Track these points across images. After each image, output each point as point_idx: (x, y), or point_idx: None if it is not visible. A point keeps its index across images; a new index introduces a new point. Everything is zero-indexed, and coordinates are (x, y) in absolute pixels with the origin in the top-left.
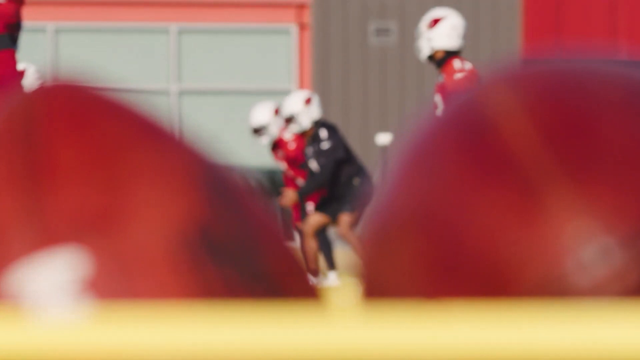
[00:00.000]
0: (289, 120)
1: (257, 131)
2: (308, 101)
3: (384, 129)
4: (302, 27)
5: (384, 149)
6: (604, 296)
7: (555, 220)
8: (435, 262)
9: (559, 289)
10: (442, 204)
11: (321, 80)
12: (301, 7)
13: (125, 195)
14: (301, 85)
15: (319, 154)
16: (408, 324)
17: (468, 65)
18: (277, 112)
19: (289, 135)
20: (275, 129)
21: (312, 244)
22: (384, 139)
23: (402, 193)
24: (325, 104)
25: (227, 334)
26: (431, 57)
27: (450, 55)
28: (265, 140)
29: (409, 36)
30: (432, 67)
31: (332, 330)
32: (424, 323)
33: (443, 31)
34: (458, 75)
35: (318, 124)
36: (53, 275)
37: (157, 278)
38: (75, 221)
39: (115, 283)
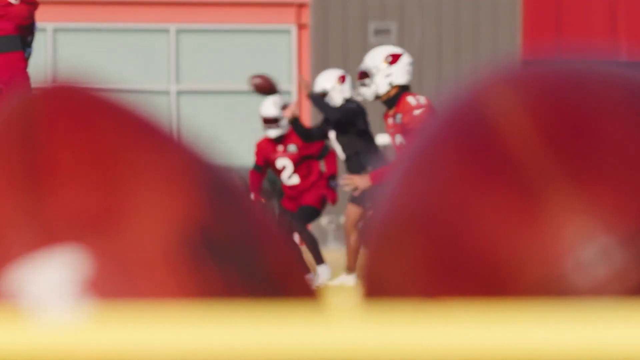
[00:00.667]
0: (322, 95)
1: (271, 122)
2: (342, 79)
3: (384, 129)
4: (301, 27)
5: (384, 149)
6: (604, 296)
7: (555, 220)
8: (435, 262)
9: (559, 289)
10: (442, 204)
11: None
12: (301, 7)
13: (124, 196)
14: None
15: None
16: (408, 324)
17: (422, 99)
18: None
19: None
20: (285, 122)
21: (353, 238)
22: (384, 139)
23: (402, 193)
24: None
25: (227, 334)
26: (381, 95)
27: (402, 91)
28: (275, 133)
29: (408, 36)
30: (431, 67)
31: (332, 330)
32: (424, 323)
33: (403, 67)
34: (417, 112)
35: (347, 101)
36: (53, 275)
37: (157, 278)
38: (75, 221)
39: (115, 283)
